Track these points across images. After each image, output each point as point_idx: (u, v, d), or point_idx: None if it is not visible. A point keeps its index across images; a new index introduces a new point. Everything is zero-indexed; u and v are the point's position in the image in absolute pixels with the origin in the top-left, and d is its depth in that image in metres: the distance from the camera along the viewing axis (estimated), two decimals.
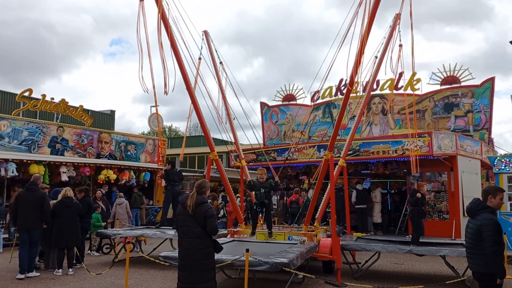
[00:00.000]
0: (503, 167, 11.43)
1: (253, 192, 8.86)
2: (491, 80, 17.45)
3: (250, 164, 16.24)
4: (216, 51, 11.32)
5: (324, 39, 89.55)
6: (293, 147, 14.80)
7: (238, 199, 12.26)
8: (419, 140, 12.59)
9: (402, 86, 18.18)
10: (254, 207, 7.21)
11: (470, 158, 13.70)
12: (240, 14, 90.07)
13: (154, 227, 11.55)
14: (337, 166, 9.89)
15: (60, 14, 75.87)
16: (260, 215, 8.36)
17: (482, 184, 14.90)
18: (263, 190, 7.21)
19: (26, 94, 15.14)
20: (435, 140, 12.56)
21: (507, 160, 11.52)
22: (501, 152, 17.65)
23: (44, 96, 15.53)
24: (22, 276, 8.00)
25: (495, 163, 11.69)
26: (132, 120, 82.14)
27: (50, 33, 69.30)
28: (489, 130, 17.29)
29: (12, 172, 12.83)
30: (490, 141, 17.57)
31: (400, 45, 9.82)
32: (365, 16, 7.21)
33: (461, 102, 17.73)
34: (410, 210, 9.74)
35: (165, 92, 7.16)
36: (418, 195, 9.15)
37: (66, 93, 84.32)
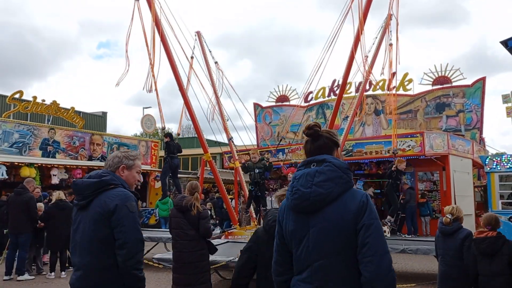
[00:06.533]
0: (494, 166, 11.54)
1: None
2: (482, 80, 17.61)
3: None
4: (210, 51, 11.40)
5: (307, 41, 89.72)
6: (286, 147, 14.82)
7: (232, 200, 12.25)
8: (411, 140, 12.68)
9: (394, 87, 18.29)
10: (250, 187, 7.50)
11: (462, 158, 13.80)
12: (223, 18, 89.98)
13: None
14: None
15: (45, 18, 75.31)
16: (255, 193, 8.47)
17: (473, 183, 15.02)
18: (257, 171, 7.49)
19: (17, 96, 15.01)
20: (427, 140, 12.62)
21: (498, 159, 11.64)
22: (492, 151, 17.82)
23: (35, 98, 15.39)
24: (7, 278, 8.08)
25: (486, 162, 11.79)
26: (122, 122, 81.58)
27: (36, 37, 68.75)
28: (480, 129, 17.45)
29: (2, 175, 12.71)
30: (482, 141, 17.73)
31: (391, 44, 9.98)
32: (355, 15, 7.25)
33: (452, 102, 17.87)
34: (386, 184, 10.16)
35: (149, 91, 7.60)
36: (394, 168, 9.57)
37: (54, 96, 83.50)
